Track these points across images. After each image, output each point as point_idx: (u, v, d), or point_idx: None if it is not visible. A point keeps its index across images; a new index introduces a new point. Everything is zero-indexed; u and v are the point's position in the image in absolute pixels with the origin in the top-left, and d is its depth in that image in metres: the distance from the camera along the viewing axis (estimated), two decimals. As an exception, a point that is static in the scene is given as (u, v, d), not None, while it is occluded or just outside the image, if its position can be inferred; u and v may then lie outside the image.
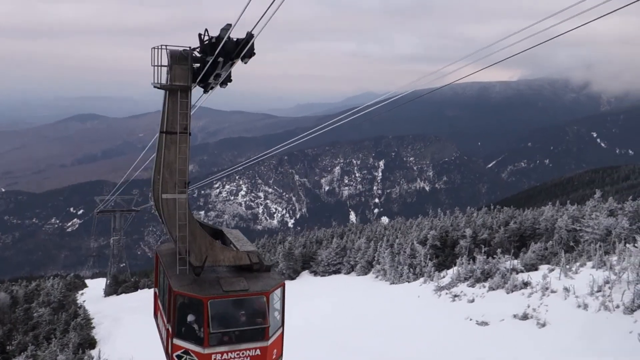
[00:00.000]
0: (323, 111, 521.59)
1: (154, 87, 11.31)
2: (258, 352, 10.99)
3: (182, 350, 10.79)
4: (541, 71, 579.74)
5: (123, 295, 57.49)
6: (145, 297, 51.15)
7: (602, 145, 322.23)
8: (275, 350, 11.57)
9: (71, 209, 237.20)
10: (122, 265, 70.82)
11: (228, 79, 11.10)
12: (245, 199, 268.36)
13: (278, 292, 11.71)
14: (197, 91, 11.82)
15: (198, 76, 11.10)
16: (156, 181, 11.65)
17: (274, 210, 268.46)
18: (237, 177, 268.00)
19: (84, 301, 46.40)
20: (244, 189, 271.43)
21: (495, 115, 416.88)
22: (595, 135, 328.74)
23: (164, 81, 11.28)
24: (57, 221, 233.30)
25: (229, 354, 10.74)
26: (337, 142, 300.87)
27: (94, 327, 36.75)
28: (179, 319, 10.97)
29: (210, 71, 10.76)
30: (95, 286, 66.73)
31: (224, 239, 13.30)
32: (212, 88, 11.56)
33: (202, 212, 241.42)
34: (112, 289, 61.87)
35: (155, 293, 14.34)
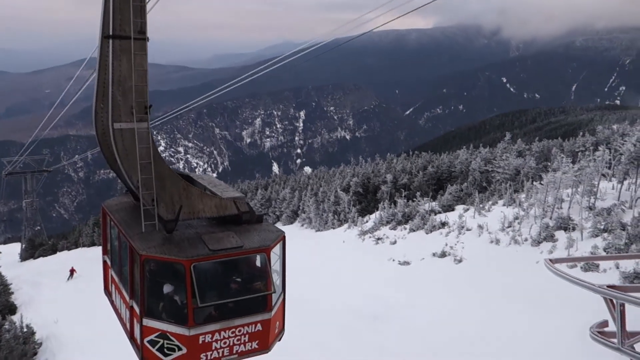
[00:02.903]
0: (241, 61, 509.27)
1: None
2: (259, 327, 8.64)
3: (157, 334, 8.32)
4: (455, 18, 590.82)
5: (41, 259, 55.33)
6: (65, 260, 49.52)
7: (511, 90, 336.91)
8: (277, 323, 9.25)
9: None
10: (37, 229, 67.83)
11: None
12: (164, 155, 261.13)
13: (277, 248, 9.16)
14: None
15: None
16: (100, 109, 8.82)
17: (195, 165, 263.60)
18: (154, 133, 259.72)
19: (-1, 267, 44.40)
20: (163, 144, 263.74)
21: (411, 63, 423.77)
22: (505, 80, 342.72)
23: None
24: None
25: (222, 333, 8.36)
26: (257, 93, 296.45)
27: (12, 293, 35.38)
28: (149, 293, 8.44)
29: None
30: (9, 251, 63.61)
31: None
32: None
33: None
34: (29, 253, 59.33)
35: (104, 262, 11.40)
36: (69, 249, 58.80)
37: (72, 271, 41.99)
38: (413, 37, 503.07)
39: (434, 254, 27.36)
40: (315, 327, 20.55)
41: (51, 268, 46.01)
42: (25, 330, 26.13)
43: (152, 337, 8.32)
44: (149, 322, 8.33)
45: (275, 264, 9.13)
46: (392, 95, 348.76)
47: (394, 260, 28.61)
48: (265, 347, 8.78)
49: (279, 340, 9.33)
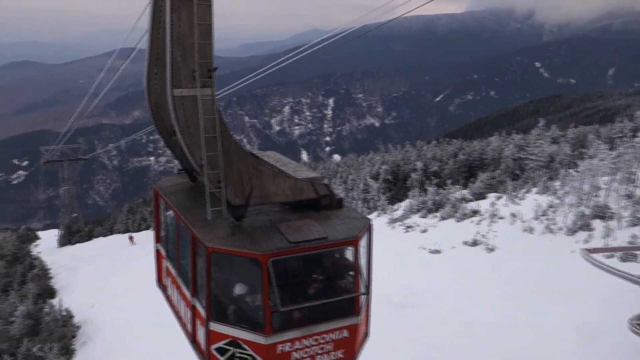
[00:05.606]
0: (269, 50, 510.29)
1: None
2: (345, 333, 7.28)
3: (227, 341, 7.09)
4: (486, 1, 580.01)
5: (78, 245, 56.83)
6: (100, 246, 50.85)
7: (545, 75, 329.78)
8: (363, 328, 7.87)
9: (15, 161, 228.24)
10: (74, 215, 69.56)
11: None
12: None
13: (363, 239, 7.60)
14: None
15: None
16: (153, 76, 7.69)
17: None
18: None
19: (39, 253, 45.72)
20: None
21: (441, 49, 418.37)
22: (538, 65, 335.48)
23: None
24: (2, 174, 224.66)
25: (303, 341, 7.05)
26: (285, 81, 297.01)
27: (51, 278, 36.46)
28: (217, 292, 7.19)
29: None
30: (48, 237, 65.51)
31: None
32: None
33: (152, 158, 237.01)
34: (66, 239, 60.95)
35: (157, 252, 10.13)
36: (104, 235, 60.23)
37: (130, 238, 46.63)
38: (443, 23, 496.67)
39: (465, 243, 27.07)
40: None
41: (87, 254, 47.21)
42: (64, 313, 26.93)
43: (220, 344, 7.14)
44: (216, 327, 7.14)
45: (362, 258, 7.64)
46: (421, 82, 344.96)
47: (424, 248, 28.43)
48: (351, 356, 7.52)
49: (364, 346, 8.03)
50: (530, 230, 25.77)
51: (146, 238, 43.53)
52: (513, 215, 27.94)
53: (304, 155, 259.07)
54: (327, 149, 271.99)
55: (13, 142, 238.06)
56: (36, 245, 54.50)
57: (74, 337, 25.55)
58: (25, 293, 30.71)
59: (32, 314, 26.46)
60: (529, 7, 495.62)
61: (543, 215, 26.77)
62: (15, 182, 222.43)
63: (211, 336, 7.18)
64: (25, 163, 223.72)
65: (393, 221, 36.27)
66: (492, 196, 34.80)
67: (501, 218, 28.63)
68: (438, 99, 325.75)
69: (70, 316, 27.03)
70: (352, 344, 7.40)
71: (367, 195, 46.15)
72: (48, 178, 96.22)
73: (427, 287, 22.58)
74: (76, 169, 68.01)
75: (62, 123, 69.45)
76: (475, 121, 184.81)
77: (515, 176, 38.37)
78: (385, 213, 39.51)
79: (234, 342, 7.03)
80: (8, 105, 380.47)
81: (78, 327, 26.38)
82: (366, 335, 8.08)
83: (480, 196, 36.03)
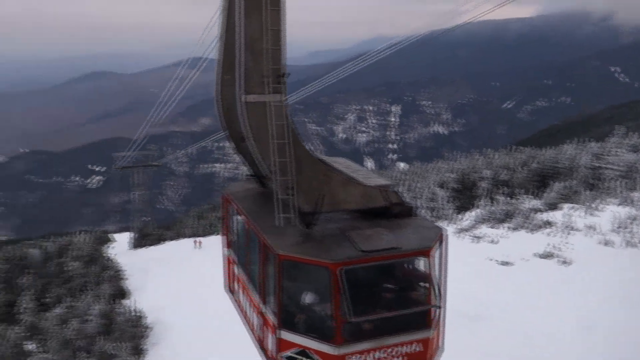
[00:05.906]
0: (334, 58, 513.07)
1: None
2: (419, 347, 7.08)
3: (296, 350, 6.98)
4: (559, 4, 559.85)
5: (150, 248, 58.83)
6: (170, 249, 52.46)
7: (624, 79, 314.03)
8: (436, 343, 7.64)
9: (91, 167, 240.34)
10: (147, 219, 72.23)
11: None
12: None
13: (436, 250, 7.47)
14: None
15: None
16: (225, 81, 7.75)
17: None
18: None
19: (115, 255, 47.61)
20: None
21: (508, 54, 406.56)
22: (615, 69, 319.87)
23: None
24: (80, 179, 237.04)
25: (374, 353, 6.83)
26: (350, 88, 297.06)
27: (124, 279, 37.87)
28: (288, 300, 7.10)
29: None
30: (121, 240, 68.19)
31: None
32: None
33: (219, 165, 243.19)
34: (139, 242, 63.25)
35: (228, 258, 10.11)
36: (174, 239, 62.08)
37: (197, 242, 48.01)
38: (513, 27, 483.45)
39: (537, 255, 26.04)
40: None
41: (158, 256, 48.74)
42: (135, 314, 27.87)
43: (290, 352, 7.06)
44: (286, 335, 7.06)
45: (435, 268, 7.42)
46: (489, 88, 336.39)
47: (493, 259, 27.57)
48: None
49: None
50: (608, 243, 24.50)
51: (214, 243, 44.52)
52: (589, 227, 26.65)
53: (369, 163, 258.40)
54: (393, 156, 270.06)
55: (90, 149, 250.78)
56: (112, 248, 56.82)
57: (143, 337, 26.36)
58: (99, 293, 32.04)
59: (106, 313, 27.53)
60: (605, 9, 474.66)
61: (622, 227, 25.38)
62: (91, 186, 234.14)
63: (281, 344, 7.13)
64: (100, 168, 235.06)
65: (460, 231, 35.41)
66: (566, 207, 33.35)
67: (576, 230, 27.38)
68: (507, 105, 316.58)
69: (141, 317, 27.93)
70: (424, 357, 7.19)
71: (433, 204, 45.30)
72: (122, 183, 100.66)
73: (497, 299, 21.88)
74: (148, 175, 70.71)
75: (135, 130, 72.36)
76: (548, 128, 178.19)
77: (592, 186, 36.63)
78: (452, 222, 38.66)
79: (304, 352, 6.94)
80: (87, 113, 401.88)
81: (149, 328, 27.21)
82: (440, 348, 7.82)
83: (554, 207, 34.60)
